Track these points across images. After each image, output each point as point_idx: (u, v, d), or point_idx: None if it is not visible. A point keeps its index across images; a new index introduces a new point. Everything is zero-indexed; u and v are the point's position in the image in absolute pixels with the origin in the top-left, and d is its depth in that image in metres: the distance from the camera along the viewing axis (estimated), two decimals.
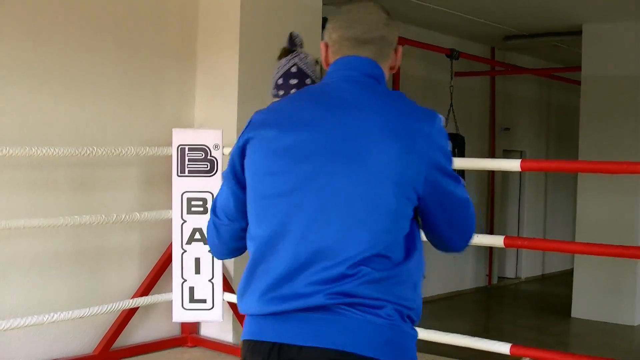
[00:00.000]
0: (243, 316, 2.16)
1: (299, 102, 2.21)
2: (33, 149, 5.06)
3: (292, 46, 3.07)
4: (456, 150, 8.79)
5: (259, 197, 2.12)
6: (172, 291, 5.93)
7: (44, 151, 5.12)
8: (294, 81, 2.92)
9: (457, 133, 9.06)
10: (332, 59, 2.27)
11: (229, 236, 2.31)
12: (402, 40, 8.35)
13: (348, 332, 1.98)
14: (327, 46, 2.29)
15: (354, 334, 1.98)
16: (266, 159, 2.11)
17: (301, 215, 2.04)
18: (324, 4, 6.96)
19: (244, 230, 2.23)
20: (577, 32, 9.26)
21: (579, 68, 9.37)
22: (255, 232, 2.13)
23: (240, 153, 2.20)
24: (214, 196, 6.47)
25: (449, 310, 9.48)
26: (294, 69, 2.96)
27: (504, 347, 4.50)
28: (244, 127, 2.22)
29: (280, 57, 3.05)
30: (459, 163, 5.15)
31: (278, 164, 2.09)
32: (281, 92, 2.89)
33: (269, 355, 2.03)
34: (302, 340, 2.00)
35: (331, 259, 2.00)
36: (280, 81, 2.93)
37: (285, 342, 2.02)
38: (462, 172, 7.24)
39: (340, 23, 2.25)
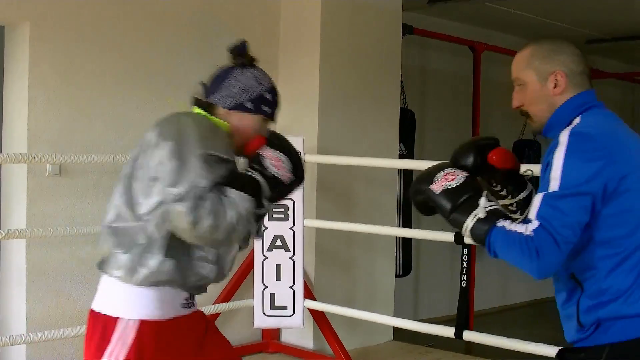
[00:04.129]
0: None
1: (619, 134, 2.40)
2: (117, 157, 5.14)
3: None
4: None
5: None
6: (253, 297, 5.96)
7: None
8: None
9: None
10: (570, 89, 2.46)
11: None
12: (482, 46, 8.26)
13: None
14: (566, 76, 2.46)
15: None
16: None
17: None
18: (403, 10, 6.93)
19: None
20: None
21: None
22: None
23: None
24: (295, 203, 6.33)
25: (533, 318, 9.34)
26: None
27: None
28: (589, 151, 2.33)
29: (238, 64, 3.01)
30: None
31: None
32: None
33: None
34: None
35: None
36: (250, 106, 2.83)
37: None
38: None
39: (579, 58, 2.48)
